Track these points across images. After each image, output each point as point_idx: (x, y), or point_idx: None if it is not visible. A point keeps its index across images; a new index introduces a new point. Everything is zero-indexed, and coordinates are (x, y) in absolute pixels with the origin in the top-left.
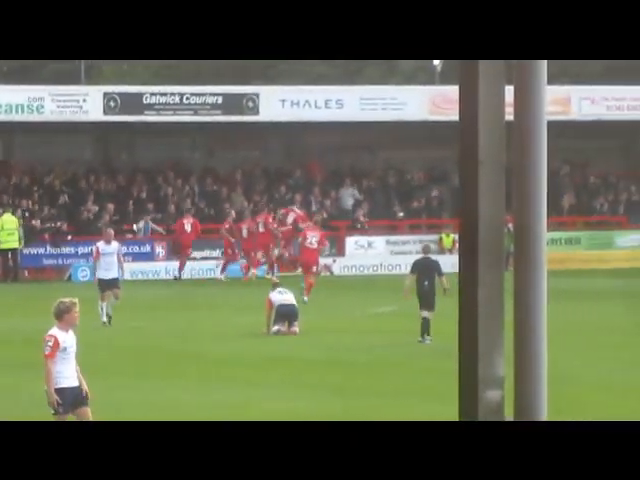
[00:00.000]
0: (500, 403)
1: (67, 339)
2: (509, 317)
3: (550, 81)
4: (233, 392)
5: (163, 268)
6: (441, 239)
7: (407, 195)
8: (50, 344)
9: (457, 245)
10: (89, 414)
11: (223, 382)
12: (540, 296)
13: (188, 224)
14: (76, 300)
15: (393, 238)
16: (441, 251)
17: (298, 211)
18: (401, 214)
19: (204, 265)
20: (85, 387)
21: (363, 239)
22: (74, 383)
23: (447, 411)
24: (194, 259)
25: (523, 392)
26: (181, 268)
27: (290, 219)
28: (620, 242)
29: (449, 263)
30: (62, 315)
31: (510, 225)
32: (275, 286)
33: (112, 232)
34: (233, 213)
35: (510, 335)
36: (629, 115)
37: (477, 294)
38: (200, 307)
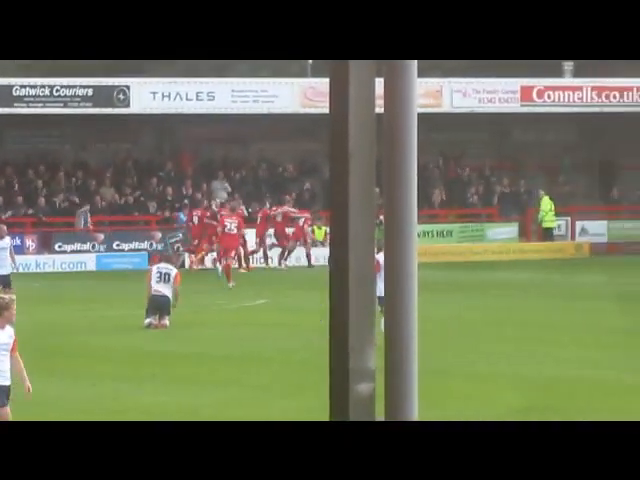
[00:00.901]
0: (371, 396)
1: (2, 336)
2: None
3: (421, 74)
4: (102, 386)
5: (33, 261)
6: (313, 231)
7: (279, 187)
8: None
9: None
10: (7, 415)
11: (92, 377)
12: (411, 289)
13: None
14: (14, 297)
15: (269, 231)
16: (313, 243)
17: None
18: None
19: (75, 258)
20: (27, 384)
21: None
22: (5, 382)
23: (313, 405)
24: (64, 252)
25: (394, 389)
26: None
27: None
28: (491, 234)
29: (321, 255)
30: (1, 312)
31: (382, 217)
32: (162, 260)
33: (4, 227)
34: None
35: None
36: (501, 107)
37: (347, 286)
38: (72, 301)
